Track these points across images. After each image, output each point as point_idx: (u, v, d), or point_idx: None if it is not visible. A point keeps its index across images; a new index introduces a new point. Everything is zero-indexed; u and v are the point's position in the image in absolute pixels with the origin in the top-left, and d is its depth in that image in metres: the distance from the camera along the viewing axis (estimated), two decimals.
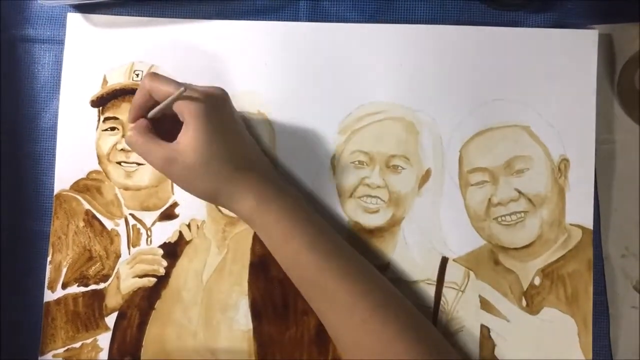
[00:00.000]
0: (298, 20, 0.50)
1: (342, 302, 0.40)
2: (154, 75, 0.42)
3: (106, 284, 0.49)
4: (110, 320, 0.48)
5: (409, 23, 0.50)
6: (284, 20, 0.50)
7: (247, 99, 0.50)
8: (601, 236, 0.47)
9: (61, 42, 0.51)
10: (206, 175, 0.41)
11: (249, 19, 0.50)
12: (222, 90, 0.44)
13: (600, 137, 0.48)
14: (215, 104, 0.42)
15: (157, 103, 0.43)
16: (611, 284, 0.47)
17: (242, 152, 0.44)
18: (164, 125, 0.44)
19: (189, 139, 0.41)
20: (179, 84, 0.41)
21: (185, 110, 0.41)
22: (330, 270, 0.41)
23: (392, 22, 0.50)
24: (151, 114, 0.43)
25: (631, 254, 0.47)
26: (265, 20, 0.50)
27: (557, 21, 0.49)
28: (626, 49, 0.48)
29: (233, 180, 0.42)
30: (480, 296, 0.47)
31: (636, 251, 0.47)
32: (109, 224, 0.50)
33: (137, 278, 0.49)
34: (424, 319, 0.42)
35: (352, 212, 0.48)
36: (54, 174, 0.50)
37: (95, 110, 0.51)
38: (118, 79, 0.51)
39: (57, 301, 0.49)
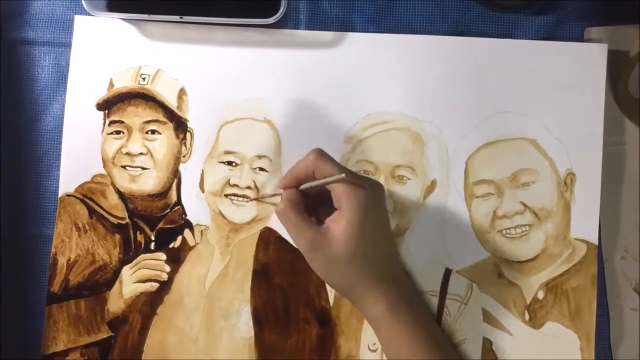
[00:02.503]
0: (298, 23, 0.50)
1: None
2: (321, 154, 0.41)
3: (108, 288, 0.49)
4: (112, 324, 0.48)
5: (409, 25, 0.50)
6: (284, 23, 0.50)
7: (253, 106, 0.49)
8: (601, 238, 0.47)
9: (61, 45, 0.51)
10: (346, 271, 0.40)
11: (254, 25, 0.50)
12: (380, 184, 0.43)
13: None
14: (373, 199, 0.41)
15: (312, 178, 0.42)
16: (611, 286, 0.47)
17: (384, 253, 0.43)
18: (305, 197, 0.43)
19: (341, 229, 0.39)
20: (341, 168, 0.41)
21: (344, 199, 0.40)
22: None
23: (393, 25, 0.50)
24: (305, 187, 0.42)
25: (631, 256, 0.47)
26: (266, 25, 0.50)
27: (557, 23, 0.49)
28: (626, 50, 0.48)
29: (370, 283, 0.41)
30: (483, 309, 0.47)
31: (636, 253, 0.47)
32: (112, 228, 0.50)
33: (139, 283, 0.49)
34: None
35: None
36: (54, 176, 0.50)
37: (101, 113, 0.51)
38: (124, 83, 0.50)
39: (59, 304, 0.49)
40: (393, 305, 0.41)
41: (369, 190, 0.40)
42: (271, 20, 0.47)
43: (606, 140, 0.48)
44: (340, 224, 0.40)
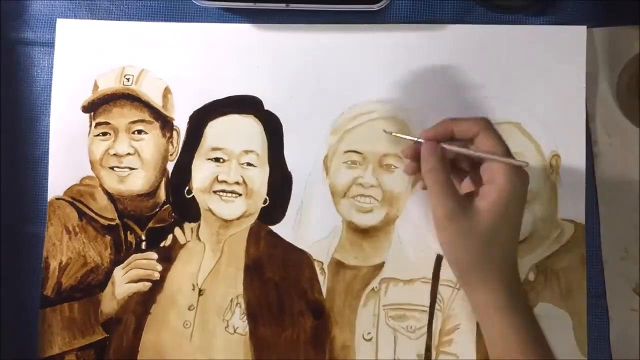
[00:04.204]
0: (290, 16, 0.50)
1: None
2: (489, 123, 0.40)
3: (101, 290, 0.49)
4: (106, 326, 0.48)
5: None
6: (275, 18, 0.50)
7: (238, 102, 0.49)
8: (601, 239, 0.47)
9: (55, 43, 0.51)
10: (479, 248, 0.38)
11: (239, 22, 0.50)
12: (528, 175, 0.40)
13: (600, 140, 0.48)
14: (523, 186, 0.39)
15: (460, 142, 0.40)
16: (611, 287, 0.47)
17: (514, 242, 0.40)
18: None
19: (488, 205, 0.37)
20: (505, 147, 0.39)
21: (499, 177, 0.38)
22: None
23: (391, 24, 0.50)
24: (467, 152, 0.39)
25: (631, 257, 0.47)
26: (255, 21, 0.50)
27: (557, 24, 0.49)
28: (625, 51, 0.48)
29: (495, 268, 0.39)
30: None
31: (636, 254, 0.47)
32: (102, 230, 0.50)
33: (132, 283, 0.49)
34: None
35: (346, 211, 0.49)
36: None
37: (87, 115, 0.51)
38: (109, 84, 0.50)
39: (53, 308, 0.49)
40: (514, 298, 0.39)
41: (525, 182, 0.39)
42: (376, 7, 0.46)
43: (606, 140, 0.48)
44: (488, 199, 0.37)
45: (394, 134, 0.45)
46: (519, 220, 0.40)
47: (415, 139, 0.42)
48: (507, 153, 0.39)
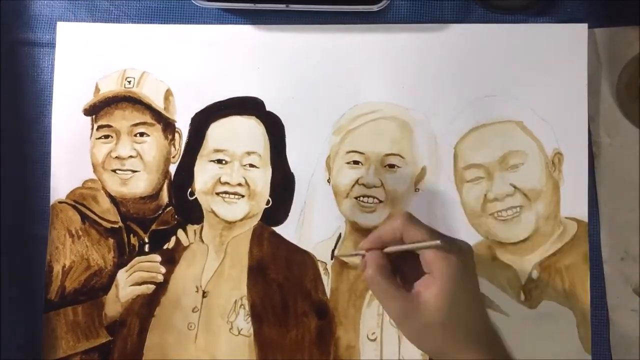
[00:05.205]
0: (290, 17, 0.50)
1: None
2: (410, 217, 0.40)
3: (105, 293, 0.49)
4: (111, 329, 0.48)
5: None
6: (274, 19, 0.50)
7: (240, 103, 0.49)
8: (601, 239, 0.47)
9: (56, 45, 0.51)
10: (439, 337, 0.39)
11: (239, 23, 0.50)
12: (470, 247, 0.41)
13: (600, 140, 0.48)
14: (464, 264, 0.39)
15: (398, 241, 0.40)
16: (611, 287, 0.47)
17: (476, 318, 0.41)
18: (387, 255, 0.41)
19: (433, 296, 0.38)
20: (433, 233, 0.39)
21: (435, 265, 0.38)
22: None
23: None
24: (392, 249, 0.40)
25: (631, 258, 0.47)
26: (255, 21, 0.50)
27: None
28: (625, 52, 0.48)
29: (463, 348, 0.39)
30: None
31: (636, 254, 0.47)
32: (106, 233, 0.49)
33: (135, 286, 0.49)
34: None
35: (349, 212, 0.49)
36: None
37: (89, 118, 0.50)
38: (110, 87, 0.50)
39: (57, 311, 0.49)
40: (490, 351, 0.39)
41: (460, 255, 0.39)
42: (376, 7, 0.46)
43: (606, 141, 0.48)
44: (431, 290, 0.38)
45: (342, 256, 0.48)
46: (473, 296, 0.40)
47: (359, 253, 0.42)
48: (433, 237, 0.39)
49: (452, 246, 0.39)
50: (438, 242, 0.37)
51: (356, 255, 0.43)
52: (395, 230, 0.40)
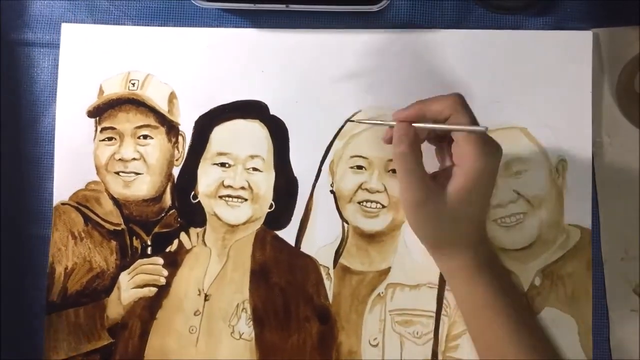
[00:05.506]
0: (290, 18, 0.49)
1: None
2: (462, 100, 0.38)
3: (107, 295, 0.49)
4: (112, 331, 0.48)
5: (408, 27, 0.50)
6: (275, 19, 0.50)
7: (244, 106, 0.50)
8: (601, 239, 0.47)
9: (60, 47, 0.51)
10: (445, 230, 0.38)
11: (239, 23, 0.50)
12: (501, 149, 0.40)
13: (599, 140, 0.48)
14: (495, 165, 0.38)
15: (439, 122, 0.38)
16: (611, 288, 0.47)
17: (484, 214, 0.41)
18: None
19: (455, 189, 0.37)
20: (477, 123, 0.38)
21: (468, 159, 0.37)
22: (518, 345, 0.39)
23: (392, 27, 0.49)
24: (433, 127, 0.38)
25: (631, 257, 0.47)
26: (255, 22, 0.50)
27: (557, 25, 0.49)
28: (625, 52, 0.48)
29: (464, 242, 0.39)
30: None
31: (636, 254, 0.47)
32: (108, 235, 0.49)
33: (137, 288, 0.49)
34: None
35: (352, 217, 0.49)
36: (53, 177, 0.50)
37: (92, 120, 0.50)
38: (114, 89, 0.50)
39: (59, 313, 0.49)
40: (482, 260, 0.39)
41: (494, 159, 0.38)
42: (376, 8, 0.46)
43: (606, 141, 0.48)
44: (456, 182, 0.37)
45: (362, 120, 0.44)
46: (490, 190, 0.39)
47: (388, 123, 0.40)
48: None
49: (492, 143, 0.38)
50: (485, 127, 0.36)
51: (382, 124, 0.40)
52: (444, 107, 0.38)
